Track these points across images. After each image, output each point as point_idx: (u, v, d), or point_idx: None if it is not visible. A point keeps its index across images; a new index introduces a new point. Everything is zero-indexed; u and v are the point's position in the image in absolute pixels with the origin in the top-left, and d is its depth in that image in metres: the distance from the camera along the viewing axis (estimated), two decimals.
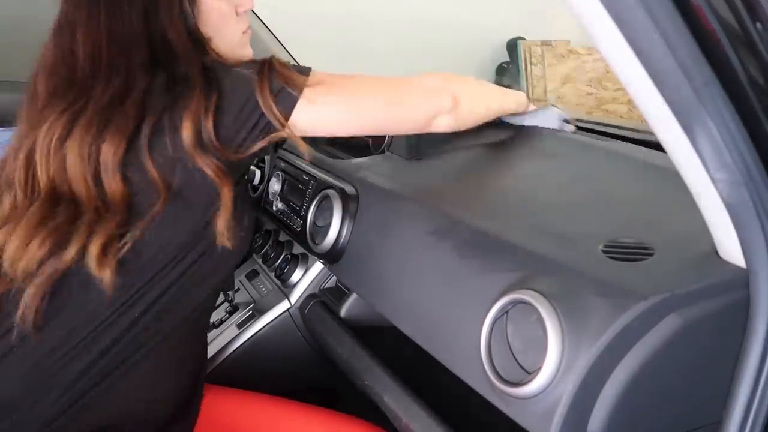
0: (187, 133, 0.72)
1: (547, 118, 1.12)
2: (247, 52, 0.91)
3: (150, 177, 0.73)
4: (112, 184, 0.72)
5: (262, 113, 0.76)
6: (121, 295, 0.74)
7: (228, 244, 0.77)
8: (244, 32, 0.90)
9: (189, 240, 0.77)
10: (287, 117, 0.78)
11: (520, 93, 1.12)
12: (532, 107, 1.13)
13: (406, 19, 3.55)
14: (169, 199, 0.74)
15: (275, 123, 0.76)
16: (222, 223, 0.76)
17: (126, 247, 0.72)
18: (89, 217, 0.72)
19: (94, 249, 0.71)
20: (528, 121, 1.12)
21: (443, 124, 0.91)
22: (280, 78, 0.77)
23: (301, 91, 0.78)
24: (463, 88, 0.94)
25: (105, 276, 0.71)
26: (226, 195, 0.75)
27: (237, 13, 0.88)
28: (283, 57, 1.73)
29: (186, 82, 0.75)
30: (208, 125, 0.73)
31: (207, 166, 0.73)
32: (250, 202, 0.94)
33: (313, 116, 0.80)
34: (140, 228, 0.73)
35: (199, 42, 0.81)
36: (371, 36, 3.44)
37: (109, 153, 0.72)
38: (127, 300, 0.75)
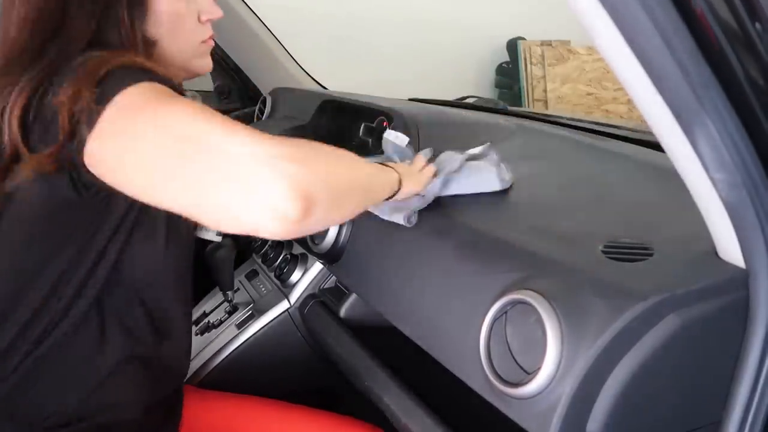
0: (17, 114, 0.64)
1: (475, 182, 0.85)
2: (202, 64, 0.82)
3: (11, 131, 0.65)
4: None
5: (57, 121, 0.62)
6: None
7: None
8: (203, 41, 0.81)
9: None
10: (80, 149, 0.62)
11: (392, 171, 0.78)
12: (419, 182, 0.81)
13: (406, 19, 3.55)
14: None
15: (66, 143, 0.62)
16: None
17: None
18: None
19: None
20: (439, 193, 0.83)
21: (271, 229, 0.54)
22: (84, 95, 0.61)
23: (91, 127, 0.60)
24: (323, 180, 0.57)
25: None
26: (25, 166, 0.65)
27: (199, 20, 0.80)
28: (282, 59, 1.74)
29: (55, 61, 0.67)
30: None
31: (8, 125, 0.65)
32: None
33: (100, 163, 0.62)
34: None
35: (144, 44, 0.74)
36: (372, 36, 3.44)
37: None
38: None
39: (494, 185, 0.86)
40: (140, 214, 0.73)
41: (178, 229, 0.80)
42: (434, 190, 0.84)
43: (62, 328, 0.72)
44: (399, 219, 0.82)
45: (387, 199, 0.78)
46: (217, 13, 0.81)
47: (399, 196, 0.79)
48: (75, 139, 0.62)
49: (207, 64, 0.83)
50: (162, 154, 0.57)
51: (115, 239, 0.72)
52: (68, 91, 0.62)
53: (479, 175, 0.86)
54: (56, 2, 0.71)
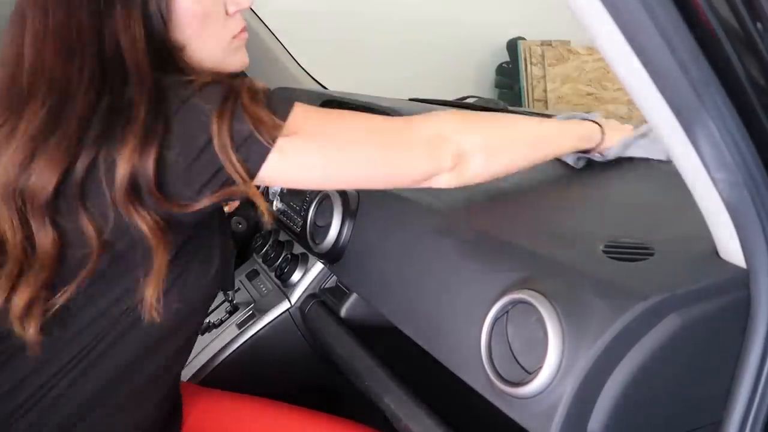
0: (122, 173, 0.58)
1: (650, 148, 0.89)
2: (238, 60, 0.76)
3: (82, 226, 0.60)
4: (41, 231, 0.60)
5: (221, 166, 0.61)
6: (53, 358, 0.66)
7: (155, 318, 0.64)
8: (235, 36, 0.74)
9: (122, 304, 0.66)
10: (253, 174, 0.63)
11: (592, 123, 0.87)
12: (620, 137, 0.88)
13: (406, 19, 3.55)
14: (104, 255, 0.62)
15: (236, 178, 0.61)
16: (150, 291, 0.63)
17: (55, 307, 0.62)
18: (11, 267, 0.61)
19: (16, 305, 0.60)
20: (620, 153, 0.89)
21: (443, 182, 0.74)
22: (248, 119, 0.61)
23: (273, 141, 0.62)
24: (477, 138, 0.73)
25: (29, 335, 0.62)
26: (161, 258, 0.62)
27: (227, 13, 0.72)
28: (282, 58, 1.74)
29: (130, 109, 0.59)
30: (147, 168, 0.59)
31: (141, 219, 0.60)
32: (212, 271, 0.73)
33: (286, 171, 0.65)
34: (72, 286, 0.61)
35: (163, 53, 0.66)
36: (372, 36, 3.44)
37: (37, 191, 0.59)
38: (65, 365, 0.67)
39: (662, 156, 0.90)
40: (197, 241, 0.71)
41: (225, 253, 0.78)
42: (618, 149, 0.89)
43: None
44: (568, 159, 0.90)
45: (589, 151, 0.88)
46: (246, 2, 0.73)
47: (604, 145, 0.87)
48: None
49: (242, 59, 0.77)
50: (373, 137, 0.70)
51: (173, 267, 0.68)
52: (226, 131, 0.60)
53: (656, 144, 0.89)
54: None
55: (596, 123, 0.87)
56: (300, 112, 0.66)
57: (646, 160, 0.91)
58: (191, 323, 0.80)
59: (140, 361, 0.73)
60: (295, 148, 0.64)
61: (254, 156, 0.62)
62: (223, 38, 0.73)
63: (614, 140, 0.88)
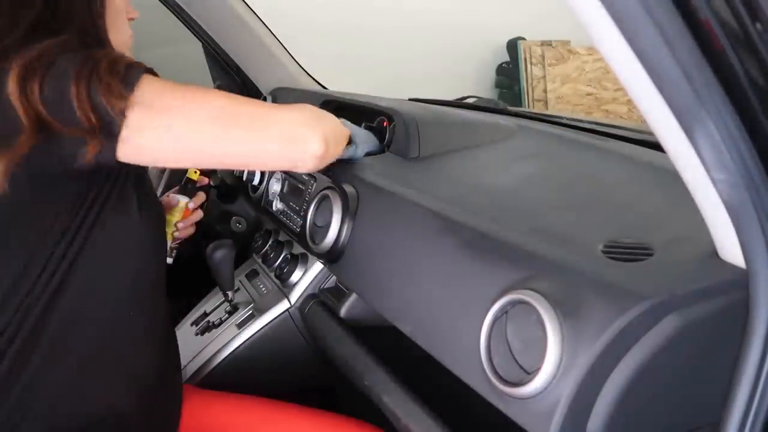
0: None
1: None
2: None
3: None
4: None
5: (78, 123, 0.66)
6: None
7: None
8: (128, 37, 0.86)
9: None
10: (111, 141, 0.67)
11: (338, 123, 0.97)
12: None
13: (406, 19, 3.55)
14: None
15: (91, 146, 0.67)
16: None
17: None
18: None
19: None
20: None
21: (300, 168, 0.84)
22: (100, 88, 0.65)
23: (122, 114, 0.66)
24: (322, 132, 0.83)
25: None
26: (23, 141, 0.65)
27: (127, 17, 0.85)
28: (282, 58, 1.74)
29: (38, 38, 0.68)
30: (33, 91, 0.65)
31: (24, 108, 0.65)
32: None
33: (134, 145, 0.69)
34: None
35: (98, 31, 0.77)
36: (372, 36, 3.44)
37: None
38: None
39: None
40: (111, 189, 0.75)
41: (150, 201, 0.82)
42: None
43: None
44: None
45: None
46: (135, 13, 0.87)
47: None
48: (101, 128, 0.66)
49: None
50: (230, 119, 0.75)
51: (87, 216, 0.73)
52: (88, 86, 0.64)
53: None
54: None
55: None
56: (149, 86, 0.69)
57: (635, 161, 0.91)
58: (134, 279, 0.81)
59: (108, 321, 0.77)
60: (140, 123, 0.68)
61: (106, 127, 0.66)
62: (125, 36, 0.85)
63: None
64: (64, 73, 0.65)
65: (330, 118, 0.91)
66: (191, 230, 1.11)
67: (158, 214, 0.87)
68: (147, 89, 0.68)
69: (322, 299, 1.19)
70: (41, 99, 0.65)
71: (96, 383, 0.77)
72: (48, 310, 0.72)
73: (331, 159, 0.89)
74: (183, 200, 1.09)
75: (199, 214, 1.11)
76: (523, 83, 3.93)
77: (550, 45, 3.90)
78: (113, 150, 0.68)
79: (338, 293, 1.17)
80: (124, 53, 0.78)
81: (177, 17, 1.67)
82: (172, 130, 0.70)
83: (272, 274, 1.31)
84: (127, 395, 0.80)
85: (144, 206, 0.79)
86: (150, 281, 0.84)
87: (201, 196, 1.12)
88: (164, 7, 1.64)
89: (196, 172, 1.12)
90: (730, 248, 0.60)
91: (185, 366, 1.24)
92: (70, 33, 0.72)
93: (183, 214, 1.09)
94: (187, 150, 0.73)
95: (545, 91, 3.87)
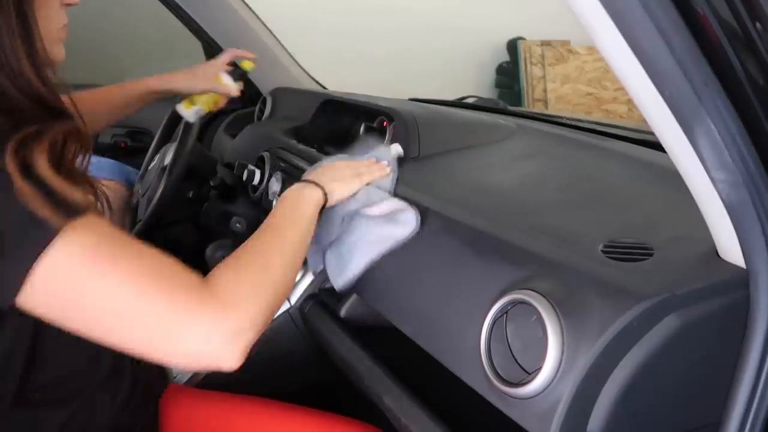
0: None
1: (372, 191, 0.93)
2: (57, 51, 0.75)
3: None
4: None
5: None
6: None
7: None
8: (62, 27, 0.75)
9: None
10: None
11: (311, 191, 0.87)
12: (341, 188, 0.91)
13: (406, 19, 3.55)
14: None
15: None
16: None
17: None
18: None
19: None
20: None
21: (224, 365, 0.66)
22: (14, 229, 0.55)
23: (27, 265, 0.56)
24: (250, 312, 0.66)
25: None
26: None
27: (61, 3, 0.74)
28: (282, 59, 1.74)
29: None
30: None
31: None
32: None
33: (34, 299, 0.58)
34: None
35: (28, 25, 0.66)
36: (372, 36, 3.44)
37: None
38: None
39: (388, 187, 0.95)
40: None
41: None
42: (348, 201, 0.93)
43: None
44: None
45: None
46: (74, 0, 0.76)
47: (332, 202, 0.90)
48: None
49: (61, 53, 0.76)
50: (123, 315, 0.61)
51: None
52: None
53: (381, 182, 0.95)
54: None
55: (315, 183, 0.88)
56: (76, 238, 0.58)
57: (639, 162, 0.91)
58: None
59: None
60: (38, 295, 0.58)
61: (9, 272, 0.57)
62: (55, 23, 0.74)
63: (340, 193, 0.91)
64: None
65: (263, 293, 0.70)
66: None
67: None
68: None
69: (322, 299, 1.19)
70: None
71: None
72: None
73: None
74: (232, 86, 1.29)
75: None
76: (523, 83, 3.93)
77: (550, 45, 3.89)
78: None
79: (338, 293, 1.17)
80: (53, 46, 0.72)
81: (177, 17, 1.67)
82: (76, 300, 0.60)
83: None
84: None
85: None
86: None
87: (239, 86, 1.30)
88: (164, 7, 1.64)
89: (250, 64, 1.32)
90: (730, 248, 0.60)
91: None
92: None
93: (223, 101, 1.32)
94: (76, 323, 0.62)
95: (545, 90, 3.87)
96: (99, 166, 1.61)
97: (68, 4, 0.76)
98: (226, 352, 0.64)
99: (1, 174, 0.56)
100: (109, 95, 1.25)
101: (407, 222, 0.85)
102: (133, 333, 0.62)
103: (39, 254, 0.56)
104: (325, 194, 0.88)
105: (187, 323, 0.62)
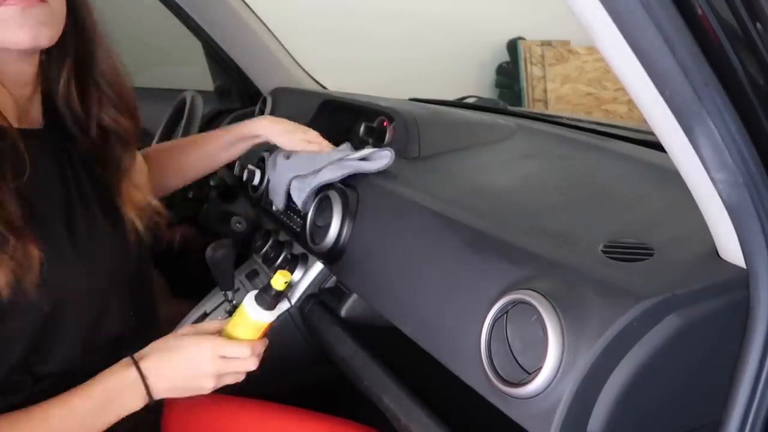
0: None
1: None
2: (9, 34, 0.68)
3: None
4: None
5: None
6: None
7: None
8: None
9: None
10: None
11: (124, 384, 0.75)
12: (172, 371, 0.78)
13: (406, 19, 3.55)
14: None
15: None
16: None
17: None
18: None
19: None
20: None
21: None
22: None
23: None
24: None
25: None
26: None
27: None
28: (282, 59, 1.74)
29: None
30: None
31: None
32: None
33: None
34: None
35: None
36: (372, 36, 3.44)
37: None
38: None
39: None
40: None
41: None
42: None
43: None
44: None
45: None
46: None
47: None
48: None
49: (14, 35, 0.68)
50: None
51: None
52: None
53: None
54: None
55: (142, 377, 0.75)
56: None
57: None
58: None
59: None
60: None
61: None
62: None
63: (167, 381, 0.76)
64: None
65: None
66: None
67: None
68: None
69: (323, 299, 1.19)
70: None
71: None
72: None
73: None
74: (264, 319, 0.86)
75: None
76: (523, 83, 3.93)
77: (550, 45, 3.90)
78: None
79: (338, 293, 1.17)
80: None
81: (177, 17, 1.67)
82: None
83: (272, 275, 1.31)
84: None
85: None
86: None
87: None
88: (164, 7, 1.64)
89: (286, 282, 0.84)
90: (730, 248, 0.60)
91: None
92: None
93: (262, 332, 0.87)
94: None
95: (545, 91, 3.87)
96: None
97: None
98: None
99: None
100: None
101: (382, 157, 0.98)
102: None
103: None
104: (149, 393, 0.74)
105: None
